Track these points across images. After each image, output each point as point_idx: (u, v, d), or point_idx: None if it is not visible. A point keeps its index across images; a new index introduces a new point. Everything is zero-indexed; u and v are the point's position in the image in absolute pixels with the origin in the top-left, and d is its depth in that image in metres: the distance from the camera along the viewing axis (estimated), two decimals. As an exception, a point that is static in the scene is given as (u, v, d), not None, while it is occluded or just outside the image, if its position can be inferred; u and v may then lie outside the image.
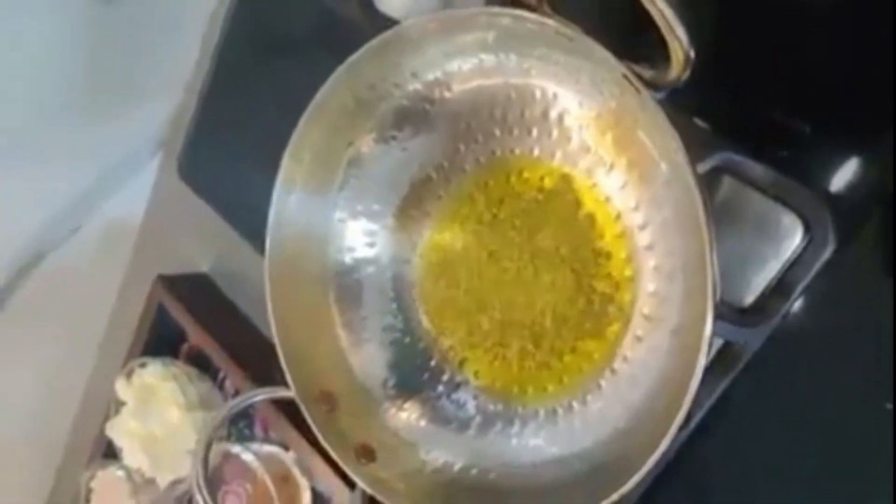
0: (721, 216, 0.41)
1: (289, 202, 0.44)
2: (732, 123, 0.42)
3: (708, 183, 0.41)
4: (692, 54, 0.30)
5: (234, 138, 0.67)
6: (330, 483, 0.59)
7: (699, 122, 0.42)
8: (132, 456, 0.69)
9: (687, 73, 0.31)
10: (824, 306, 0.40)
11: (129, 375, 0.69)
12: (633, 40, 0.34)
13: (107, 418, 0.71)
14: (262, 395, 0.47)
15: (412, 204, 0.46)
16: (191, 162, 0.71)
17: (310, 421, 0.44)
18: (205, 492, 0.43)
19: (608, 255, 0.39)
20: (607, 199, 0.39)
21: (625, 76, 0.32)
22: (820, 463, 0.40)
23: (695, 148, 0.36)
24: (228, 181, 0.67)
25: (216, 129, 0.69)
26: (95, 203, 0.71)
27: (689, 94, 0.42)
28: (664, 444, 0.32)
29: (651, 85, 0.32)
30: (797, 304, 0.40)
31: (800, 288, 0.39)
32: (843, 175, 0.40)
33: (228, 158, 0.67)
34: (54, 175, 0.66)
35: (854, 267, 0.39)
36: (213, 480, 0.66)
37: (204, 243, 0.70)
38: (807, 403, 0.40)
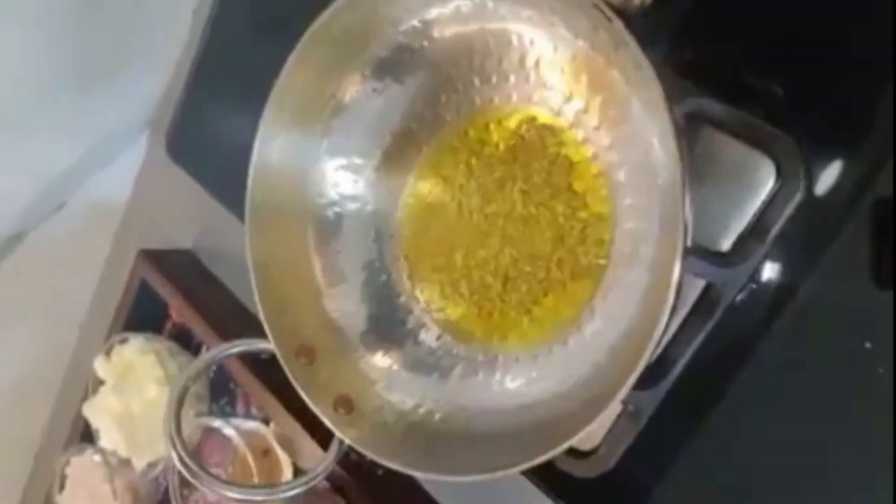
0: (698, 164, 0.41)
1: (271, 150, 0.44)
2: (706, 76, 0.42)
3: (685, 128, 0.41)
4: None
5: (223, 115, 0.67)
6: (312, 456, 0.58)
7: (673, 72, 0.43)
8: (108, 436, 0.69)
9: (651, -2, 0.31)
10: (801, 251, 0.40)
11: (108, 352, 0.69)
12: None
13: (85, 399, 0.71)
14: (239, 346, 0.47)
15: (394, 155, 0.46)
16: (179, 138, 0.71)
17: (288, 373, 0.44)
18: (178, 445, 0.43)
19: (586, 195, 0.40)
20: (584, 140, 0.40)
21: (594, 5, 0.33)
22: (806, 408, 0.40)
23: (671, 91, 0.37)
24: (217, 157, 0.67)
25: (205, 106, 0.69)
26: (81, 179, 0.71)
27: (666, 53, 0.44)
28: (634, 377, 0.32)
29: (620, 12, 0.33)
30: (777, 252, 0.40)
31: (775, 230, 0.40)
32: (816, 122, 0.40)
33: (217, 135, 0.68)
34: (40, 150, 0.66)
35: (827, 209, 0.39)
36: (196, 456, 0.66)
37: (190, 220, 0.71)
38: (790, 349, 0.40)
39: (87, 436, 0.74)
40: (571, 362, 0.39)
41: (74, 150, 0.69)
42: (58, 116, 0.67)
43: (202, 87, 0.69)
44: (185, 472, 0.42)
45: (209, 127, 0.69)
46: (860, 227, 0.39)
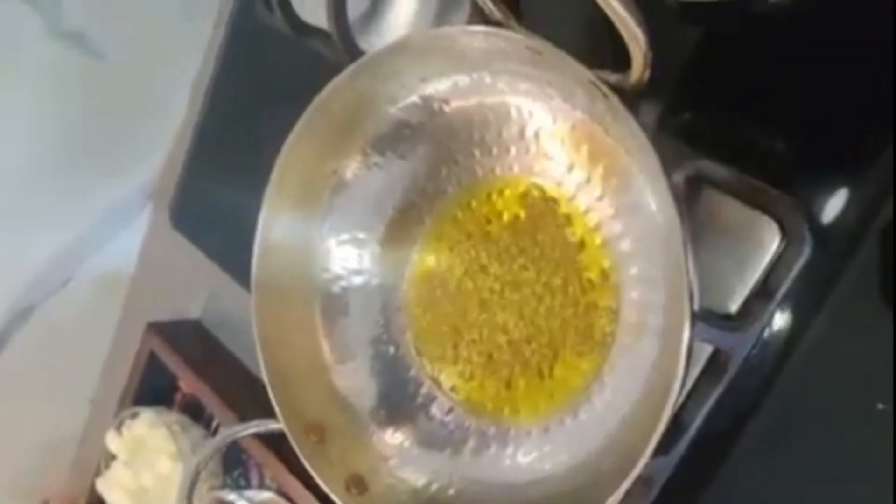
0: (701, 226, 0.41)
1: (274, 228, 0.45)
2: (707, 141, 0.42)
3: (686, 194, 0.41)
4: (650, 54, 0.31)
5: (225, 185, 0.68)
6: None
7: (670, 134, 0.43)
8: (123, 510, 0.68)
9: (647, 74, 0.32)
10: (809, 308, 0.40)
11: (119, 427, 0.68)
12: (601, 50, 0.36)
13: (98, 474, 0.70)
14: (250, 428, 0.47)
15: (397, 230, 0.46)
16: (183, 209, 0.72)
17: (299, 452, 0.43)
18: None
19: (591, 266, 0.40)
20: (587, 210, 0.40)
21: (591, 82, 0.33)
22: (818, 467, 0.39)
23: (670, 157, 0.37)
24: (221, 227, 0.68)
25: (207, 176, 0.70)
26: (86, 254, 0.72)
27: (663, 116, 0.44)
28: (650, 447, 0.32)
29: (617, 89, 0.33)
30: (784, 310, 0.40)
31: (781, 291, 0.39)
32: (820, 180, 0.41)
33: (220, 204, 0.68)
34: (44, 227, 0.67)
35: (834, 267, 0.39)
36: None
37: (196, 290, 0.71)
38: (803, 406, 0.40)
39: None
40: (584, 434, 0.39)
41: (78, 225, 0.70)
42: (60, 193, 0.68)
43: (203, 157, 0.70)
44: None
45: (212, 196, 0.69)
46: (869, 276, 0.39)
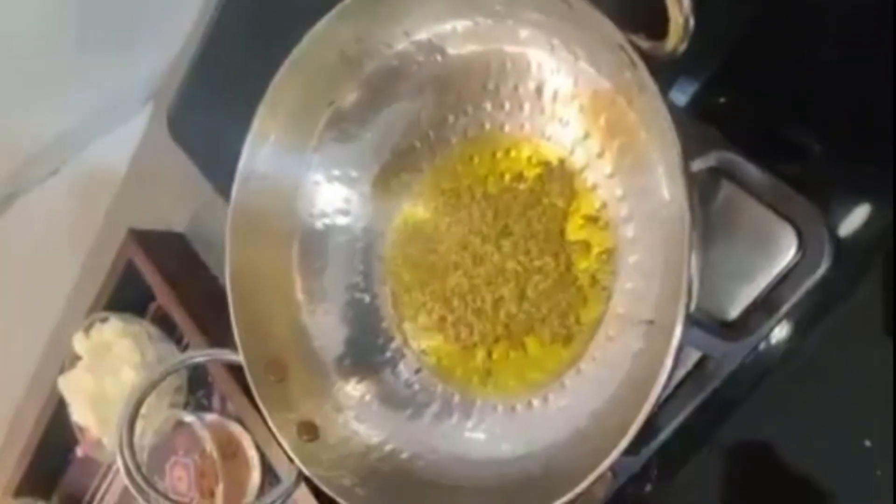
0: (713, 221, 0.38)
1: (260, 155, 0.42)
2: (736, 129, 0.39)
3: (704, 184, 0.38)
4: (692, 21, 0.27)
5: (228, 97, 0.64)
6: (284, 463, 0.56)
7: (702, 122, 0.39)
8: (80, 413, 0.67)
9: (685, 44, 0.28)
10: (812, 330, 0.37)
11: (88, 329, 0.66)
12: (639, 11, 0.32)
13: (62, 372, 0.69)
14: (205, 356, 0.45)
15: (392, 173, 0.43)
16: (181, 117, 0.68)
17: (254, 389, 0.41)
18: (126, 454, 0.40)
19: (588, 246, 0.37)
20: (594, 186, 0.37)
21: (621, 46, 0.30)
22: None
23: (693, 143, 0.34)
24: (217, 141, 0.64)
25: (211, 86, 0.66)
26: (78, 146, 0.69)
27: (696, 96, 0.41)
28: (616, 453, 0.30)
29: (648, 57, 0.30)
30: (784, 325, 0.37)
31: (787, 306, 0.36)
32: (847, 192, 0.37)
33: (220, 118, 0.65)
34: (38, 110, 0.64)
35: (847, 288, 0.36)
36: (164, 448, 0.64)
37: (186, 203, 0.68)
38: (781, 432, 0.37)
39: (62, 410, 0.72)
40: (550, 421, 0.37)
41: (73, 113, 0.67)
42: (58, 76, 0.64)
43: (209, 64, 0.66)
44: (131, 487, 0.40)
45: (212, 108, 0.66)
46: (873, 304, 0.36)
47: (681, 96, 0.40)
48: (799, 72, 0.38)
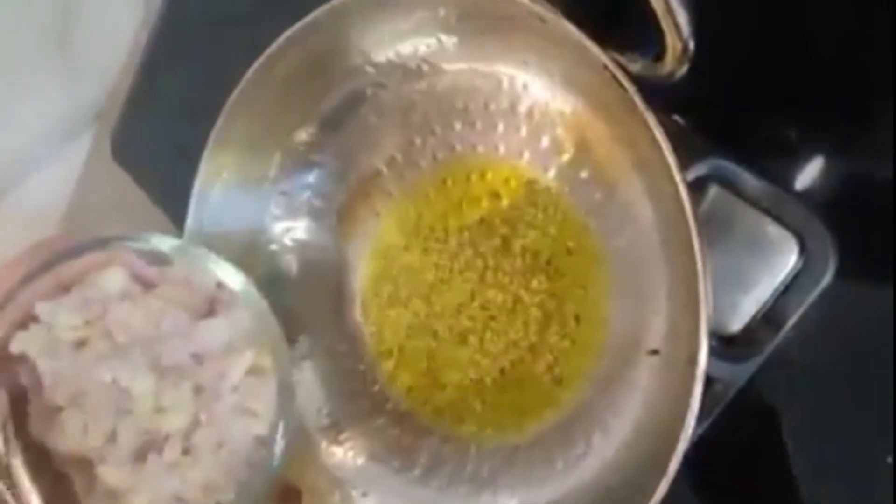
0: (707, 230, 0.36)
1: (212, 197, 0.38)
2: (724, 132, 0.37)
3: (695, 194, 0.36)
4: (691, 45, 0.25)
5: (174, 117, 0.60)
6: None
7: (687, 127, 0.37)
8: None
9: (683, 69, 0.26)
10: (821, 339, 0.35)
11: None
12: (620, 28, 0.29)
13: None
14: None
15: (359, 201, 0.40)
16: (126, 141, 0.64)
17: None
18: None
19: (577, 276, 0.34)
20: (584, 213, 0.34)
21: (607, 68, 0.27)
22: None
23: (681, 152, 0.31)
24: (166, 165, 0.60)
25: (155, 105, 0.62)
26: (15, 179, 0.64)
27: (674, 93, 0.38)
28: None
29: (638, 81, 0.27)
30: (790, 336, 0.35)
31: (795, 317, 0.35)
32: (847, 192, 0.35)
33: (167, 139, 0.61)
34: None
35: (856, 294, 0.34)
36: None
37: (133, 228, 0.64)
38: (795, 450, 0.35)
39: None
40: (555, 471, 0.34)
41: (7, 143, 0.62)
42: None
43: (152, 82, 0.62)
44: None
45: (159, 129, 0.62)
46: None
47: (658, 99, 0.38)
48: (791, 70, 0.36)
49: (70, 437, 0.31)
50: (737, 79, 0.37)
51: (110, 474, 0.31)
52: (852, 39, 0.35)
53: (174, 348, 0.32)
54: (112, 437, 0.31)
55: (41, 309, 0.32)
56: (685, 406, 0.26)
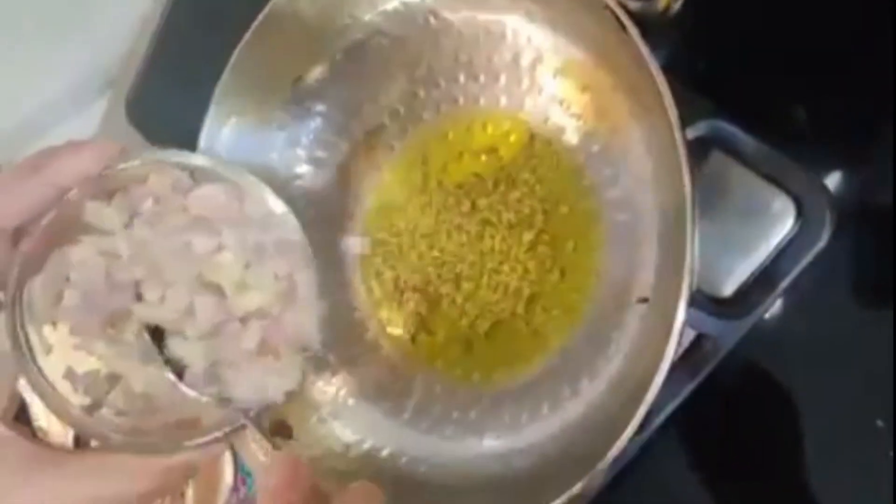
0: (705, 193, 0.36)
1: (220, 138, 0.38)
2: (727, 94, 0.37)
3: (694, 154, 0.36)
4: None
5: (188, 79, 0.61)
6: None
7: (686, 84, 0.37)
8: None
9: (678, 4, 0.26)
10: (813, 305, 0.35)
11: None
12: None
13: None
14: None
15: (362, 153, 0.40)
16: (141, 103, 0.65)
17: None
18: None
19: (571, 228, 0.34)
20: (581, 166, 0.34)
21: (607, 6, 0.27)
22: (791, 482, 0.35)
23: (683, 111, 0.32)
24: (181, 127, 0.61)
25: (171, 68, 0.63)
26: (28, 140, 0.65)
27: (683, 60, 0.38)
28: (616, 449, 0.27)
29: (638, 19, 0.27)
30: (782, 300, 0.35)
31: (787, 280, 0.34)
32: (846, 159, 0.35)
33: (183, 102, 0.61)
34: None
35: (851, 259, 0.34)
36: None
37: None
38: (784, 412, 0.35)
39: None
40: (541, 414, 0.34)
41: (23, 104, 0.62)
42: (5, 66, 0.60)
43: (168, 45, 0.62)
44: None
45: (174, 92, 0.62)
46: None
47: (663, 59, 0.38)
48: (790, 34, 0.36)
49: (147, 306, 0.31)
50: (740, 42, 0.37)
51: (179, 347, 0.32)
52: (858, 12, 0.35)
53: (257, 232, 0.33)
54: (190, 310, 0.31)
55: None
56: (665, 344, 0.26)
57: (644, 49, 0.27)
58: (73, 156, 0.31)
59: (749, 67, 0.37)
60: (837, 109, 0.36)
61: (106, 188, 0.32)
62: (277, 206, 0.34)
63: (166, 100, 0.63)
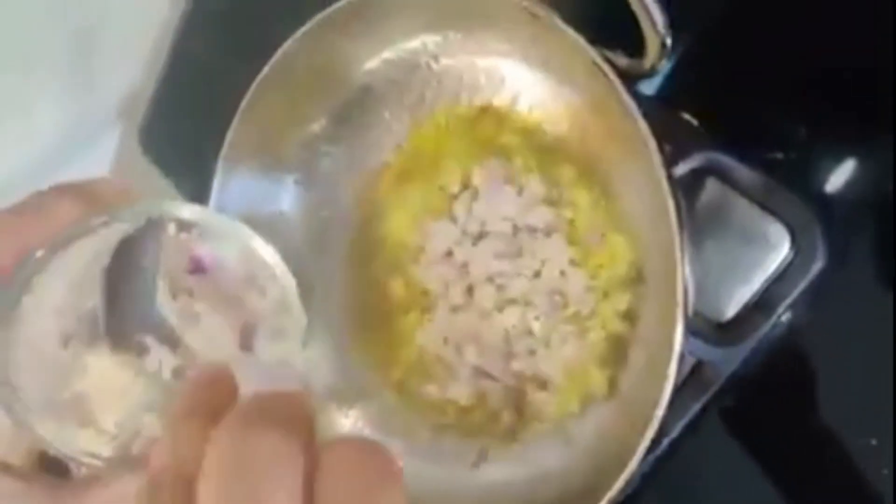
0: (702, 221, 0.37)
1: (231, 187, 0.40)
2: (721, 120, 0.38)
3: (690, 184, 0.37)
4: (668, 41, 0.26)
5: (201, 107, 0.63)
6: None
7: (686, 116, 0.38)
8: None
9: (664, 63, 0.27)
10: (810, 327, 0.36)
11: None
12: (612, 28, 0.31)
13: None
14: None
15: (368, 189, 0.42)
16: (154, 134, 0.66)
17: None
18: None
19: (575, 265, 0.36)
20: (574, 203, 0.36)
21: (595, 63, 0.28)
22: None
23: (679, 144, 0.33)
24: (195, 156, 0.63)
25: (182, 97, 0.64)
26: (44, 177, 0.66)
27: (677, 87, 0.39)
28: (620, 482, 0.29)
29: (625, 75, 0.28)
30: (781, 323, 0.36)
31: (783, 305, 0.36)
32: (838, 183, 0.36)
33: (195, 130, 0.63)
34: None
35: (846, 284, 0.35)
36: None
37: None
38: (786, 433, 0.37)
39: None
40: (555, 444, 0.36)
41: (36, 141, 0.64)
42: (18, 99, 0.61)
43: (180, 75, 0.64)
44: None
45: (186, 121, 0.64)
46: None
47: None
48: (780, 58, 0.37)
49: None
50: (734, 71, 0.38)
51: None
52: (849, 31, 0.36)
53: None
54: None
55: None
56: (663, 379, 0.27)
57: (630, 103, 0.28)
58: (75, 197, 0.30)
59: (743, 94, 0.38)
60: (832, 135, 0.37)
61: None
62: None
63: (179, 129, 0.65)
